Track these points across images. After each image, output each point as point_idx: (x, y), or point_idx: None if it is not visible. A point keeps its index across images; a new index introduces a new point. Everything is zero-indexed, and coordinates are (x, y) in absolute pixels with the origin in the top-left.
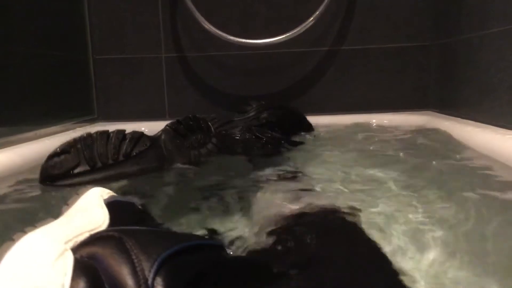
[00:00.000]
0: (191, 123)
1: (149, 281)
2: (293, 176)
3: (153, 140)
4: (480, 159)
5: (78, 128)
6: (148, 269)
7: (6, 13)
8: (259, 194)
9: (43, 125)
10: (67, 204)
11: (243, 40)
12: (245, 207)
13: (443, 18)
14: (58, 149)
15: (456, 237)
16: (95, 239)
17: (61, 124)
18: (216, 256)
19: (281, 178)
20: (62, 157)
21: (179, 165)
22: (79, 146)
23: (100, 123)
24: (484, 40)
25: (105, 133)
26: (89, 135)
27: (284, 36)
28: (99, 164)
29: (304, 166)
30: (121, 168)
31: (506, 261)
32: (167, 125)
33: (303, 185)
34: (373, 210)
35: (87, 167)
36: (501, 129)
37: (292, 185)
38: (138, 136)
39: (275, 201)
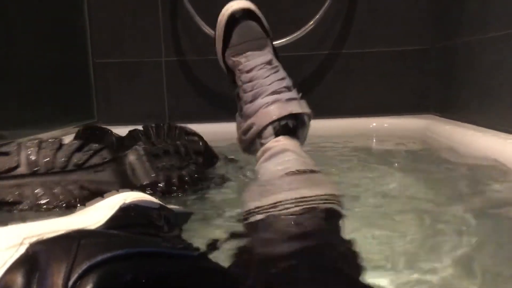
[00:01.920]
0: (168, 142)
1: (70, 282)
2: None
3: (116, 157)
4: (479, 163)
5: None
6: (77, 271)
7: (6, 17)
8: None
9: (43, 129)
10: (85, 205)
11: None
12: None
13: (444, 21)
14: (1, 149)
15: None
16: (55, 238)
17: (61, 128)
18: (177, 265)
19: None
20: (5, 157)
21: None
22: (22, 148)
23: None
24: (485, 44)
25: (58, 141)
26: (38, 141)
27: (284, 40)
28: (42, 169)
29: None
30: (66, 177)
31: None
32: (138, 144)
33: None
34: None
35: (27, 170)
36: (502, 133)
37: None
38: (98, 149)
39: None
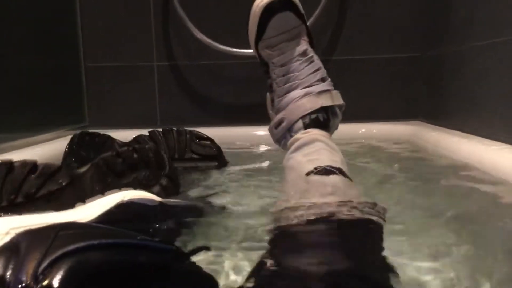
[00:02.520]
0: (136, 156)
1: (41, 268)
2: None
3: (75, 177)
4: (463, 169)
5: (69, 136)
6: (49, 258)
7: None
8: None
9: (34, 133)
10: (84, 202)
11: (235, 50)
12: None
13: (433, 30)
14: None
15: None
16: (38, 228)
17: (53, 132)
18: (149, 257)
19: None
20: None
21: None
22: None
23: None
24: (472, 53)
25: (5, 165)
26: None
27: None
28: None
29: None
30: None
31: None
32: (100, 157)
33: None
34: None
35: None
36: (486, 139)
37: None
38: (52, 171)
39: None
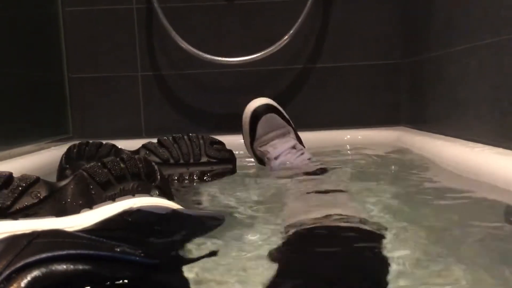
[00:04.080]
0: (123, 165)
1: (3, 276)
2: None
3: (55, 189)
4: (447, 174)
5: (53, 148)
6: (10, 267)
7: None
8: None
9: (16, 144)
10: (91, 208)
11: (219, 58)
12: None
13: (413, 36)
14: None
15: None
16: (13, 235)
17: (36, 143)
18: (119, 270)
19: None
20: None
21: None
22: None
23: (75, 142)
24: (451, 57)
25: None
26: None
27: (259, 54)
28: None
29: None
30: None
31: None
32: (83, 168)
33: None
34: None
35: None
36: (470, 142)
37: None
38: (29, 183)
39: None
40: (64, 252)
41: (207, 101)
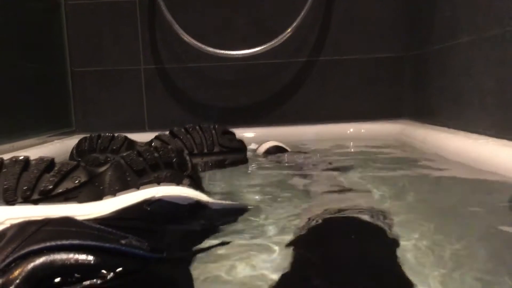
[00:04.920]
0: (157, 155)
1: (2, 264)
2: None
3: (94, 175)
4: (452, 165)
5: (56, 141)
6: (13, 256)
7: None
8: None
9: (20, 138)
10: (115, 194)
11: (222, 52)
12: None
13: (416, 29)
14: None
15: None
16: (26, 221)
17: (39, 137)
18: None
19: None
20: None
21: None
22: None
23: (78, 136)
24: (455, 50)
25: (22, 161)
26: (1, 162)
27: (262, 47)
28: (1, 203)
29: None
30: None
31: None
32: (121, 156)
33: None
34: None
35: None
36: (473, 134)
37: None
38: (70, 169)
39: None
40: (67, 242)
41: (210, 94)
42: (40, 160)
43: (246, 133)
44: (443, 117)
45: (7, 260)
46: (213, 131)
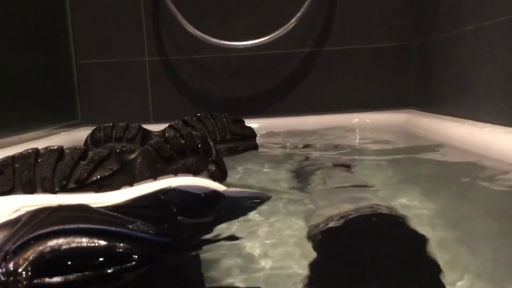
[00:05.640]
0: (183, 142)
1: (13, 246)
2: None
3: (125, 163)
4: (459, 152)
5: (62, 133)
6: (22, 240)
7: None
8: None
9: (26, 130)
10: (132, 185)
11: (226, 43)
12: None
13: (421, 18)
14: None
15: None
16: (39, 208)
17: (45, 129)
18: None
19: None
20: None
21: None
22: (17, 165)
23: (84, 128)
24: (460, 38)
25: (57, 151)
26: (35, 151)
27: (266, 38)
28: (40, 192)
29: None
30: None
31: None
32: (149, 143)
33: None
34: None
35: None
36: (479, 122)
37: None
38: (102, 157)
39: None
40: (75, 226)
41: (215, 85)
42: (74, 149)
43: (250, 124)
44: (449, 106)
45: (18, 243)
46: (224, 119)
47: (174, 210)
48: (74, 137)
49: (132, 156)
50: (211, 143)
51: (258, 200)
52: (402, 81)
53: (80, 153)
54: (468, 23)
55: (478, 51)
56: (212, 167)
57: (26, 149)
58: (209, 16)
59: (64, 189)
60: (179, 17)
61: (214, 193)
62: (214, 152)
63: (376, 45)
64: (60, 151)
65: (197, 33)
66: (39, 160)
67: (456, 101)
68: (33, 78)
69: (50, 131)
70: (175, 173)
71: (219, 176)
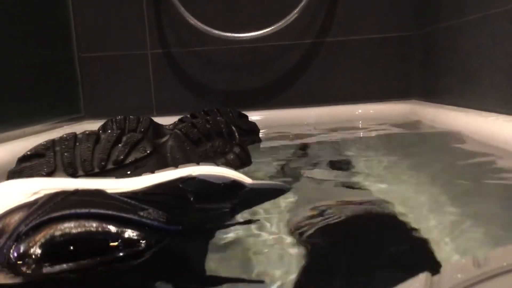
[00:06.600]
0: (209, 126)
1: (25, 228)
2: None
3: (157, 145)
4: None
5: (65, 126)
6: (35, 222)
7: None
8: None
9: (30, 124)
10: (153, 172)
11: (228, 34)
12: None
13: (425, 7)
14: (29, 152)
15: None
16: (56, 192)
17: (49, 123)
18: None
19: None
20: (34, 161)
21: None
22: (57, 148)
23: (87, 121)
24: (464, 27)
25: (94, 134)
26: (73, 135)
27: (268, 29)
28: (81, 173)
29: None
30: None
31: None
32: (177, 128)
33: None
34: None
35: (64, 175)
36: (483, 112)
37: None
38: (137, 140)
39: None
40: (86, 211)
41: (217, 77)
42: (110, 134)
43: (253, 116)
44: (453, 96)
45: (30, 225)
46: (230, 114)
47: (191, 199)
48: (77, 130)
49: (163, 139)
50: (234, 128)
51: (281, 191)
52: (406, 71)
53: (116, 136)
54: (472, 12)
55: (482, 40)
56: (237, 149)
57: (66, 133)
58: (212, 8)
59: (103, 170)
60: (181, 9)
61: (234, 183)
62: (237, 135)
63: (379, 36)
64: (97, 134)
65: (200, 25)
66: (77, 144)
67: (460, 91)
68: (36, 72)
69: (53, 125)
70: (204, 154)
71: (245, 158)
